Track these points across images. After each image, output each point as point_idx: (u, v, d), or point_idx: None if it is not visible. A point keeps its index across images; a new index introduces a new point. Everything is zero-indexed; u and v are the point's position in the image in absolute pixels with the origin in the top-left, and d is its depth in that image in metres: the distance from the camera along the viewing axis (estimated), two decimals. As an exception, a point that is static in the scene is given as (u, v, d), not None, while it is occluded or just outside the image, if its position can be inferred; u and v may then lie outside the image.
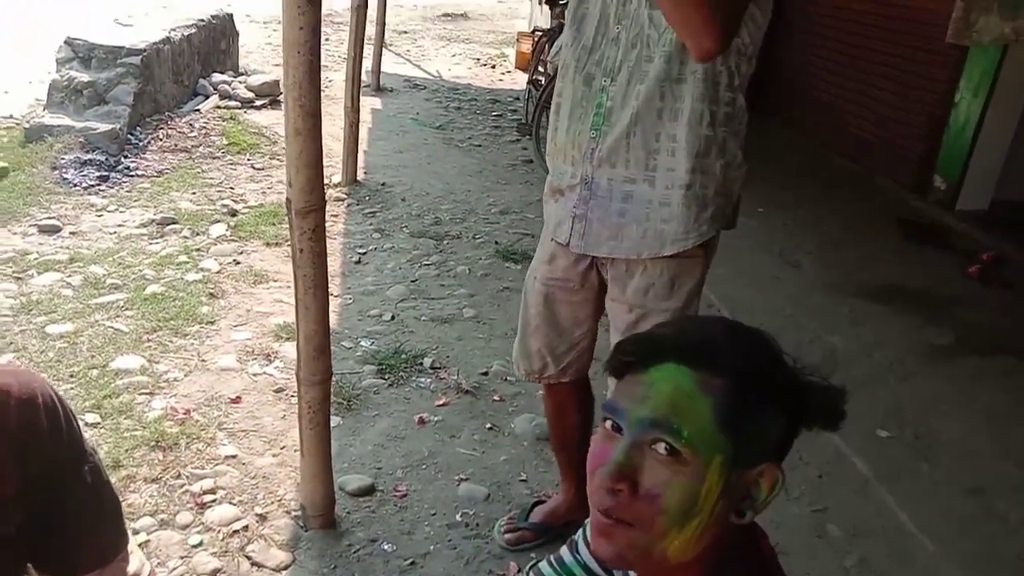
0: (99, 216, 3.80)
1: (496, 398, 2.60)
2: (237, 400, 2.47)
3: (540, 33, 6.70)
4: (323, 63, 6.29)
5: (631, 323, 1.59)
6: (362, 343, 2.85)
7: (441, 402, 2.54)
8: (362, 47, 4.48)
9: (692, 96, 1.44)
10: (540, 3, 7.01)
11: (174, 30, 5.56)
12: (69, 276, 3.16)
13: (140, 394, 2.45)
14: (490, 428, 2.45)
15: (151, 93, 5.02)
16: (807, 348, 3.13)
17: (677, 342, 0.76)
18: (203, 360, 2.67)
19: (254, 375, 2.60)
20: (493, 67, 9.61)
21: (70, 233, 3.59)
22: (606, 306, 1.68)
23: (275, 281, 3.28)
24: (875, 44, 5.68)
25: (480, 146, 5.90)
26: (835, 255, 4.18)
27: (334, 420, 2.35)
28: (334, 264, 3.54)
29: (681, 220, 1.49)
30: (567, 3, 1.62)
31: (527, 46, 7.98)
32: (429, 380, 2.66)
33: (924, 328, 3.41)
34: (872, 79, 5.70)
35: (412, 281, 3.42)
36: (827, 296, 3.67)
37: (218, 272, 3.31)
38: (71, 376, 2.49)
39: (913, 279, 3.95)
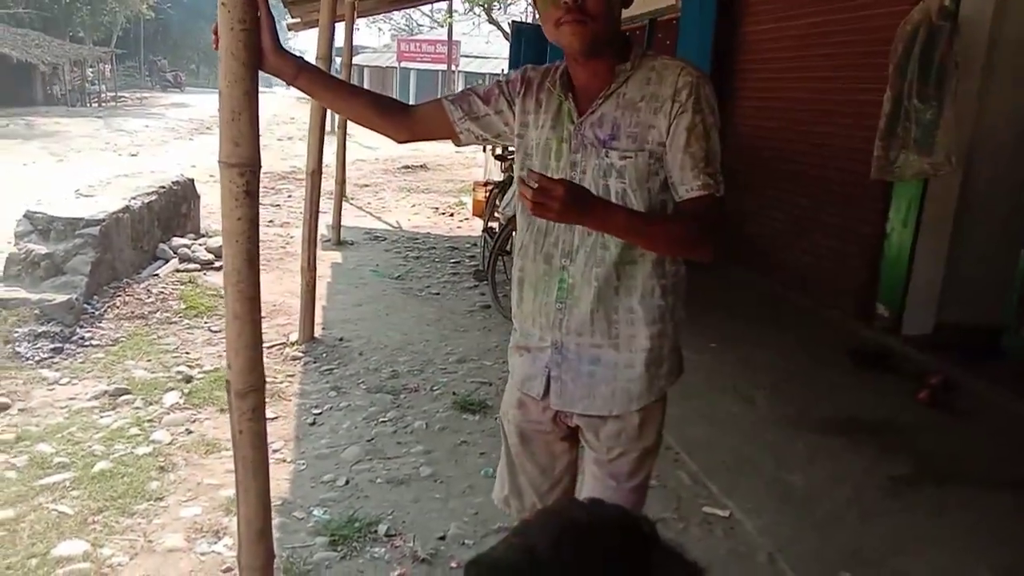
0: (51, 391, 3.76)
1: (453, 565, 2.53)
2: (183, 584, 2.38)
3: (492, 185, 7.01)
4: (285, 219, 6.49)
5: (609, 460, 1.69)
6: (314, 513, 2.79)
7: (396, 574, 2.47)
8: (317, 209, 4.63)
9: (644, 274, 1.58)
10: (493, 157, 7.38)
11: (134, 198, 5.72)
12: (14, 457, 3.08)
13: (81, 583, 2.35)
14: (447, 599, 2.38)
15: (109, 261, 5.10)
16: (766, 490, 3.13)
17: (508, 565, 0.80)
18: (150, 541, 2.58)
19: (202, 555, 2.52)
20: (451, 215, 9.93)
21: (19, 410, 3.54)
22: (582, 443, 1.75)
23: (227, 450, 3.22)
24: (810, 181, 6.02)
25: (438, 294, 6.01)
26: (789, 389, 4.24)
27: (284, 601, 2.27)
28: (288, 427, 3.51)
29: (644, 379, 1.62)
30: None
31: (482, 194, 8.30)
32: (384, 550, 2.58)
33: (880, 460, 3.42)
34: (810, 214, 6.00)
35: (368, 440, 3.39)
36: (783, 432, 3.70)
37: (170, 443, 3.26)
38: (7, 568, 2.39)
39: (866, 409, 4.00)
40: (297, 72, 1.59)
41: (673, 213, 1.53)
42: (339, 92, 1.69)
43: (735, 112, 7.32)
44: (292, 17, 8.46)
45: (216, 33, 1.52)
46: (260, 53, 1.54)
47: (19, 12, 30.47)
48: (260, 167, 1.61)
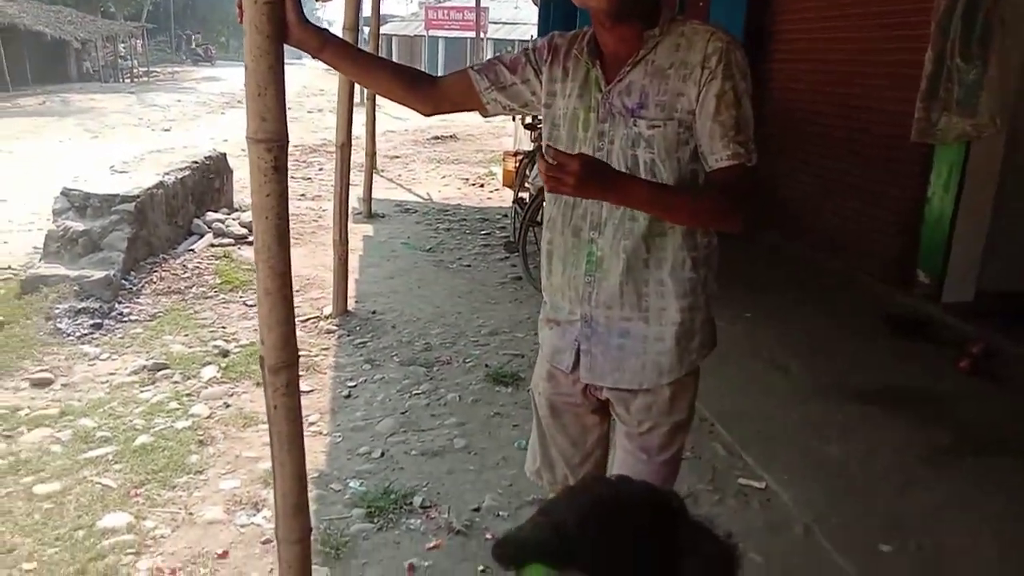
0: (91, 366, 3.83)
1: (488, 536, 2.55)
2: (224, 555, 2.43)
3: (522, 155, 6.94)
4: (317, 192, 6.51)
5: (640, 433, 1.68)
6: (351, 484, 2.82)
7: (432, 545, 2.49)
8: (348, 183, 4.63)
9: (674, 246, 1.55)
10: (522, 126, 7.30)
11: (168, 174, 5.77)
12: (59, 431, 3.16)
13: (126, 554, 2.41)
14: (483, 571, 2.39)
15: (145, 237, 5.16)
16: (802, 461, 3.10)
17: (536, 543, 0.80)
18: (190, 513, 2.63)
19: (241, 527, 2.57)
20: (482, 186, 9.89)
21: (62, 385, 3.61)
22: (613, 416, 1.74)
23: (263, 423, 3.22)
24: (849, 145, 5.88)
25: (470, 266, 6.00)
26: (824, 358, 4.18)
27: (322, 571, 2.30)
28: (324, 400, 3.55)
29: (675, 352, 1.60)
30: None
31: (512, 164, 8.24)
32: (419, 521, 2.61)
33: (919, 430, 3.37)
34: (849, 180, 5.87)
35: (402, 413, 3.42)
36: (819, 402, 3.65)
37: (208, 417, 3.32)
38: (56, 539, 2.46)
39: (904, 377, 3.94)
40: (322, 45, 1.57)
41: (703, 184, 1.49)
42: (364, 65, 1.67)
43: (771, 76, 7.15)
44: (319, -12, 8.39)
45: (240, 7, 1.50)
46: (284, 26, 1.52)
47: (52, -11, 30.70)
48: (288, 141, 1.60)
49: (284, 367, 1.69)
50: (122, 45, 32.01)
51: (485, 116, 1.76)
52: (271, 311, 1.65)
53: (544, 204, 1.70)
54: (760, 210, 6.95)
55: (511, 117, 7.42)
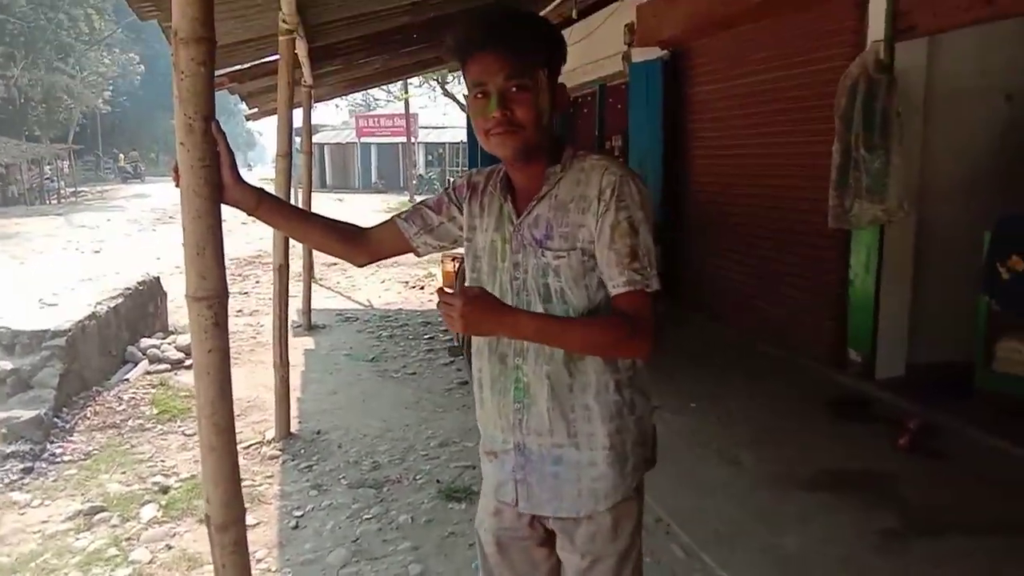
0: (22, 515, 3.64)
1: (450, 670, 2.46)
2: None
3: (461, 257, 7.04)
4: (255, 307, 6.40)
5: (585, 568, 1.65)
6: (305, 625, 2.71)
7: None
8: (287, 304, 4.61)
9: (596, 370, 1.57)
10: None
11: (100, 303, 5.65)
12: (-14, 593, 2.97)
13: None
14: None
15: (77, 371, 5.01)
16: (760, 557, 3.10)
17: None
18: (133, 675, 2.48)
19: None
20: (422, 288, 9.94)
21: (-11, 540, 3.41)
22: (558, 553, 1.71)
23: (208, 563, 3.13)
24: (771, 233, 6.15)
25: (415, 374, 5.97)
26: (772, 446, 4.24)
27: None
28: (271, 533, 3.43)
29: (609, 478, 1.59)
30: None
31: (451, 266, 8.33)
32: (378, 661, 2.51)
33: (870, 514, 3.42)
34: (775, 266, 6.11)
35: (353, 541, 3.32)
36: (771, 493, 3.69)
37: (150, 562, 3.16)
38: None
39: (850, 460, 4.02)
40: (257, 203, 1.61)
41: (603, 314, 1.53)
42: (298, 222, 1.72)
43: (691, 170, 7.50)
44: (249, 108, 8.55)
45: (176, 171, 1.54)
46: (220, 187, 1.56)
47: (-27, 116, 30.45)
48: (227, 296, 1.62)
49: (232, 524, 1.65)
50: (48, 167, 31.68)
51: (419, 256, 1.81)
52: (217, 467, 1.63)
53: None
54: (704, 297, 7.17)
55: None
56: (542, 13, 9.89)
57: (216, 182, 1.55)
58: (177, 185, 1.54)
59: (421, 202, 1.78)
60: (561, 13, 10.49)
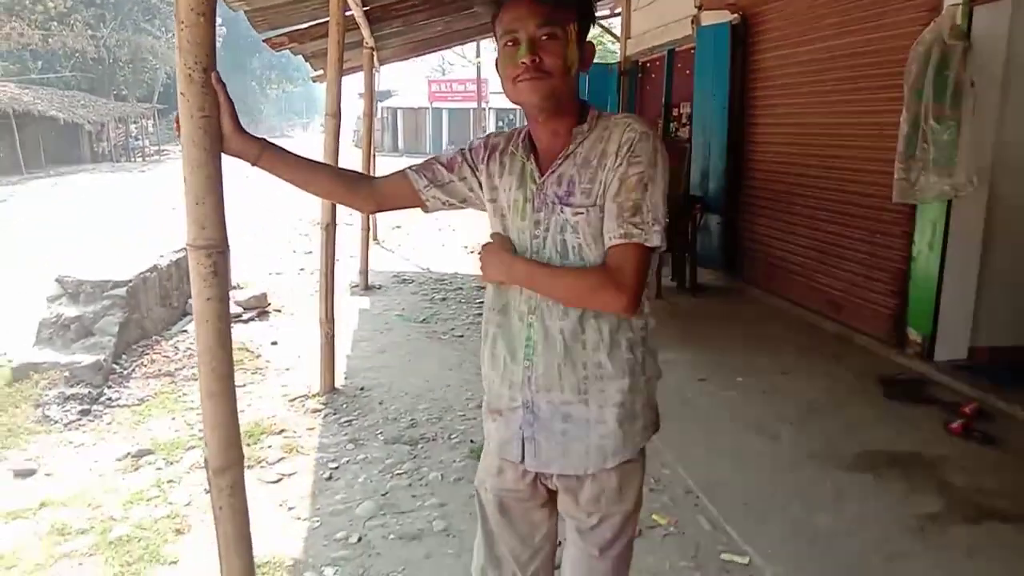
0: (77, 453, 3.83)
1: (460, 624, 2.50)
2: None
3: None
4: (318, 266, 6.47)
5: (592, 526, 1.66)
6: (325, 572, 2.78)
7: (401, 636, 2.45)
8: (333, 261, 4.67)
9: (610, 328, 1.56)
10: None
11: (162, 256, 5.85)
12: (37, 523, 3.15)
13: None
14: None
15: (137, 320, 5.21)
16: (789, 532, 3.04)
17: None
18: (160, 608, 2.60)
19: (210, 621, 2.52)
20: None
21: (45, 475, 3.61)
22: (561, 513, 1.72)
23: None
24: (835, 206, 5.93)
25: (462, 336, 6.01)
26: (816, 423, 4.13)
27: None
28: (305, 483, 3.52)
29: (617, 436, 1.59)
30: None
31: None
32: (391, 610, 2.56)
33: (910, 497, 3.31)
34: (838, 240, 5.90)
35: (383, 494, 3.38)
36: (808, 469, 3.60)
37: (187, 504, 3.30)
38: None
39: (897, 442, 3.88)
40: (260, 153, 1.62)
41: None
42: (302, 170, 1.71)
43: (754, 138, 7.27)
44: (315, 70, 8.64)
45: (178, 122, 1.56)
46: (221, 137, 1.57)
47: (66, 75, 31.75)
48: (228, 247, 1.64)
49: (228, 468, 1.70)
50: (134, 126, 32.88)
51: (426, 212, 1.80)
52: (214, 412, 1.67)
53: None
54: (757, 269, 7.00)
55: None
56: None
57: (216, 133, 1.56)
58: (178, 135, 1.57)
59: (434, 157, 1.78)
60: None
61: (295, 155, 1.69)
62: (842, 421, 4.17)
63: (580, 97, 1.59)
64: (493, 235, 1.64)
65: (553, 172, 1.56)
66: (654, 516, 3.16)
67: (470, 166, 1.71)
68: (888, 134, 4.97)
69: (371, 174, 8.28)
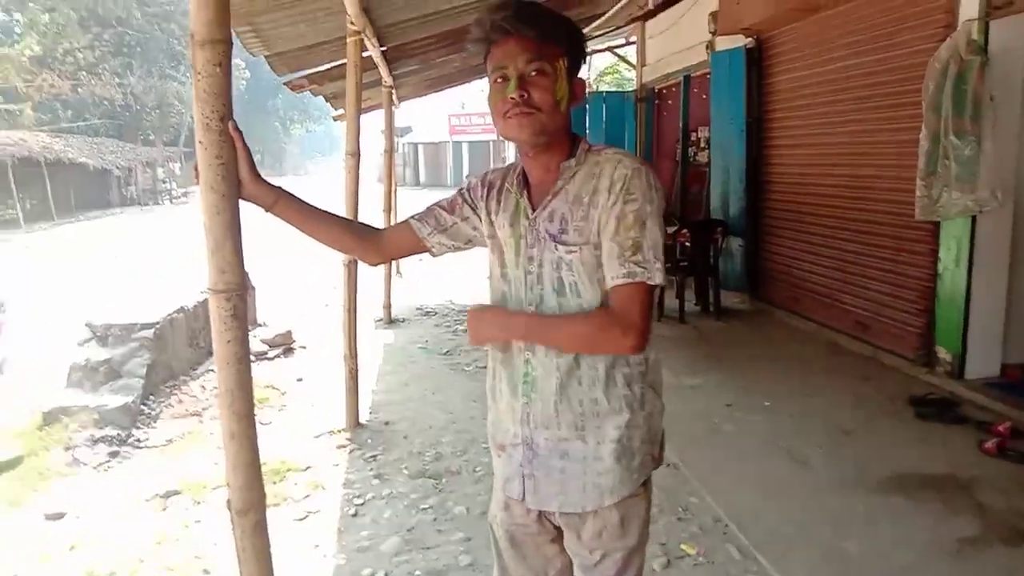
0: (105, 495, 3.87)
1: (487, 661, 2.48)
2: None
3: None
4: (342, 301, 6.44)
5: (595, 563, 1.65)
6: (352, 611, 2.78)
7: (428, 674, 2.43)
8: (356, 297, 4.72)
9: (606, 363, 1.56)
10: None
11: (188, 298, 5.93)
12: (68, 566, 3.18)
13: None
14: None
15: (165, 362, 5.28)
16: (821, 560, 2.98)
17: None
18: (189, 650, 2.60)
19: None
20: (502, 284, 9.96)
21: (75, 517, 3.65)
22: (566, 548, 1.71)
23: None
24: (857, 225, 5.88)
25: (485, 367, 5.98)
26: (846, 446, 4.07)
27: None
28: (332, 519, 3.53)
29: (615, 472, 1.58)
30: None
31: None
32: (417, 648, 2.55)
33: (946, 520, 3.24)
34: (862, 259, 5.85)
35: (408, 530, 3.38)
36: (840, 495, 3.54)
37: (214, 545, 3.31)
38: None
39: (930, 463, 3.81)
40: (275, 201, 1.66)
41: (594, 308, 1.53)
42: (314, 221, 1.72)
43: (773, 160, 7.26)
44: (335, 109, 8.80)
45: (196, 169, 1.60)
46: (238, 183, 1.61)
47: (95, 123, 32.54)
48: (246, 290, 1.67)
49: (251, 508, 1.71)
50: (161, 169, 33.55)
51: (434, 256, 1.82)
52: (236, 453, 1.69)
53: None
54: (780, 291, 6.93)
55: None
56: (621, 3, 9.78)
57: (233, 179, 1.60)
58: (197, 182, 1.60)
59: (435, 203, 1.80)
60: (642, 4, 10.37)
61: (309, 205, 1.72)
62: (873, 443, 4.10)
63: (572, 131, 1.60)
64: (471, 308, 1.66)
65: (544, 208, 1.57)
66: (682, 546, 3.12)
67: (470, 205, 1.74)
68: (908, 151, 4.95)
69: (390, 208, 8.40)
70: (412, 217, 1.79)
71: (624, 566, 1.64)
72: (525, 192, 1.62)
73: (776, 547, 3.09)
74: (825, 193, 6.32)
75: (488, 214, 1.69)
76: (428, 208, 1.79)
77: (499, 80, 1.52)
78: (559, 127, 1.54)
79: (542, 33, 1.48)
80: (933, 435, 4.15)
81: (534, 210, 1.59)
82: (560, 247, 1.54)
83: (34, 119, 30.04)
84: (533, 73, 1.48)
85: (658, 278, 1.48)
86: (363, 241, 1.79)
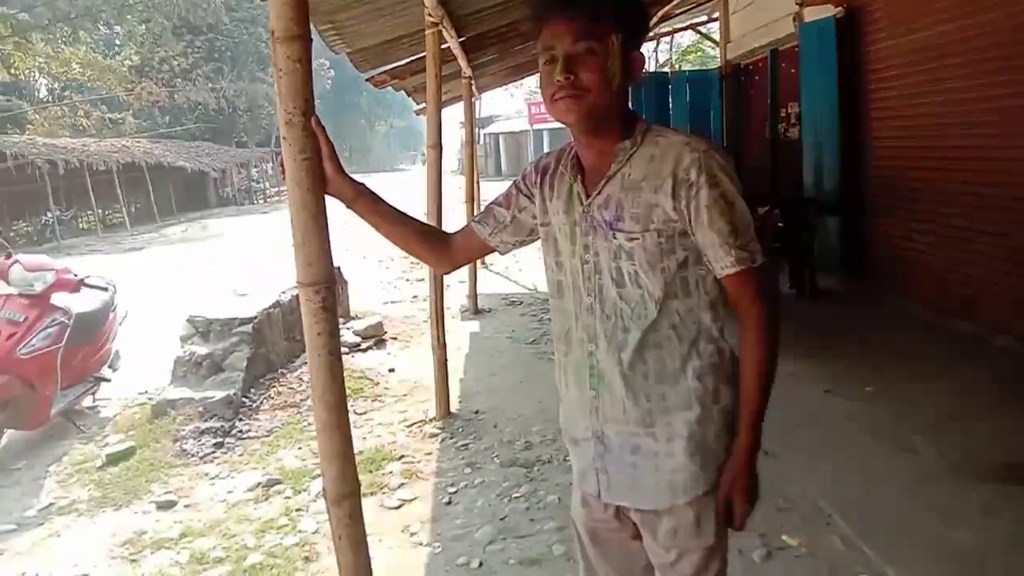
0: (212, 485, 4.04)
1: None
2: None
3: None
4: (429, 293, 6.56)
5: (671, 562, 1.59)
6: (447, 599, 2.81)
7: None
8: (442, 288, 4.75)
9: (673, 357, 1.50)
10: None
11: (284, 292, 6.12)
12: (178, 553, 3.33)
13: None
14: None
15: (264, 355, 5.47)
16: (931, 552, 2.83)
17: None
18: (292, 634, 2.68)
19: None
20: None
21: (184, 506, 3.82)
22: (644, 545, 1.65)
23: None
24: (962, 197, 5.56)
25: (574, 357, 5.97)
26: (955, 432, 3.86)
27: None
28: (425, 508, 3.58)
29: (689, 469, 1.51)
30: None
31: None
32: (514, 638, 2.55)
33: (1069, 510, 3.03)
34: (967, 233, 5.52)
35: (501, 519, 3.39)
36: (950, 483, 3.36)
37: (315, 532, 3.40)
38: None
39: (1050, 450, 3.57)
40: (355, 197, 1.66)
41: (677, 294, 1.49)
42: (390, 221, 1.71)
43: (870, 135, 6.93)
44: (417, 103, 8.89)
45: (282, 165, 1.62)
46: (323, 179, 1.63)
47: (191, 127, 34.00)
48: (335, 282, 1.69)
49: (346, 497, 1.74)
50: (254, 170, 34.81)
51: (502, 254, 1.81)
52: (329, 443, 1.72)
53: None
54: (884, 271, 6.63)
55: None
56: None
57: (318, 173, 1.61)
58: (283, 177, 1.63)
59: (492, 201, 1.76)
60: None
61: (388, 205, 1.71)
62: (984, 430, 3.88)
63: (630, 110, 1.51)
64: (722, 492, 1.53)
65: (599, 194, 1.50)
66: (783, 537, 3.02)
67: (526, 195, 1.68)
68: (1019, 118, 4.63)
69: (473, 199, 8.45)
70: (473, 219, 1.76)
71: (702, 566, 1.57)
72: (579, 176, 1.55)
73: (883, 538, 2.96)
74: (927, 167, 6.00)
75: (544, 200, 1.63)
76: (487, 207, 1.75)
77: (547, 62, 1.44)
78: (612, 108, 1.45)
79: (588, 11, 1.40)
80: (1054, 420, 3.89)
81: (588, 195, 1.52)
82: (619, 235, 1.47)
83: (135, 126, 31.66)
84: (581, 53, 1.40)
85: (761, 258, 1.43)
86: (433, 252, 1.78)
